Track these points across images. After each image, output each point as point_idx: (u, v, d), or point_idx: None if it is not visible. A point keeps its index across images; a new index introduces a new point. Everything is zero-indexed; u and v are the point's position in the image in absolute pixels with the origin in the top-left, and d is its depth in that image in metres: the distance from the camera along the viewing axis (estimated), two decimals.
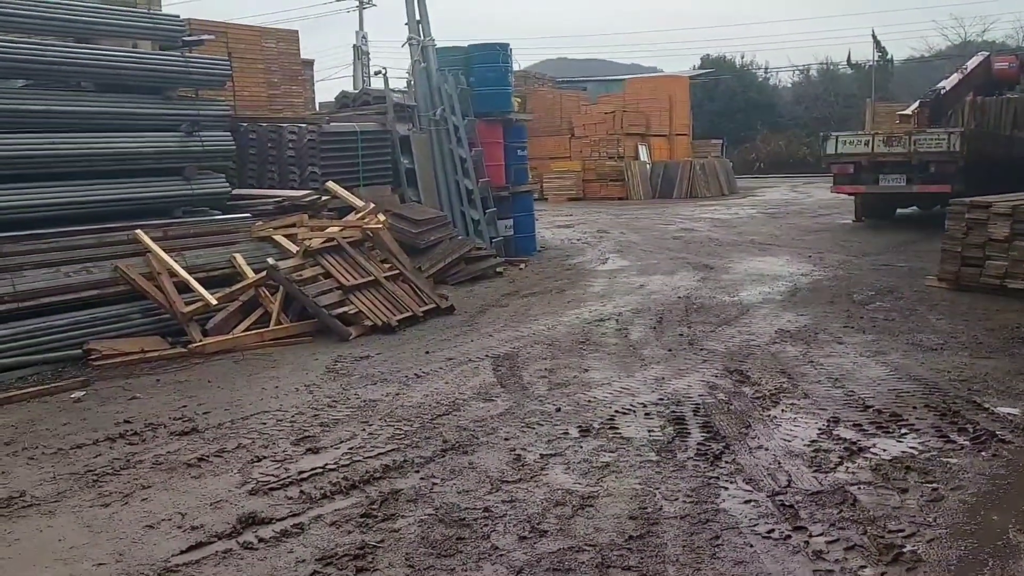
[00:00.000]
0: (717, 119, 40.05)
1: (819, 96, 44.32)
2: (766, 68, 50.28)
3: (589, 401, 5.24)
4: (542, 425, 4.81)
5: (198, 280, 7.43)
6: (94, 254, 7.35)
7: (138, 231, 7.71)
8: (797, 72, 50.68)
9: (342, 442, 4.63)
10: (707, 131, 34.89)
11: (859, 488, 3.80)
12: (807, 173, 32.96)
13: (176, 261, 7.53)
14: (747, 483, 3.88)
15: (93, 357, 6.51)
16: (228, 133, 9.39)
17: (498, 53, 12.40)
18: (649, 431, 4.64)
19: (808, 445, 4.35)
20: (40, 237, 7.21)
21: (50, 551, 3.46)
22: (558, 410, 5.08)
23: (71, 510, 3.85)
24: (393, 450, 4.47)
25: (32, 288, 6.76)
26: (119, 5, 10.07)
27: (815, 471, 4.00)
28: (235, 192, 9.42)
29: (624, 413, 4.98)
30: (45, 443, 4.80)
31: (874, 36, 41.26)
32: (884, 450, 4.26)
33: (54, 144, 7.69)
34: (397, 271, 8.52)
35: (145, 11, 9.65)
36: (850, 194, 15.57)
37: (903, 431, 4.53)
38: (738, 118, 41.70)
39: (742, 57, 48.90)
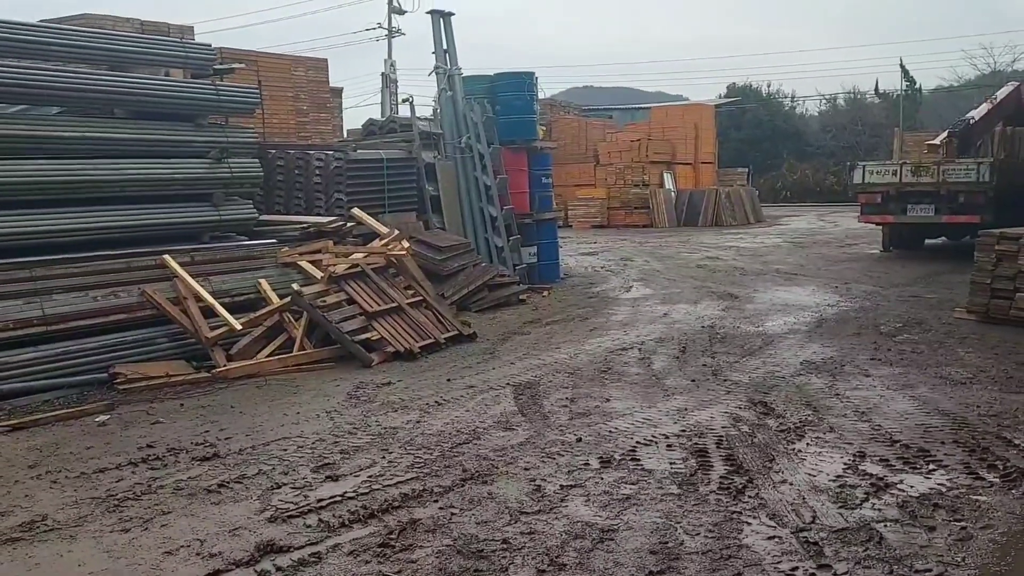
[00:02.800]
0: (743, 147, 40.00)
1: (846, 125, 44.17)
2: (793, 97, 50.25)
3: (610, 431, 5.20)
4: (563, 455, 4.78)
5: (223, 305, 7.49)
6: (122, 278, 7.45)
7: (165, 256, 7.81)
8: (824, 101, 50.60)
9: (362, 470, 4.62)
10: (733, 159, 34.85)
11: (886, 525, 3.72)
12: (834, 202, 32.77)
13: (202, 286, 7.61)
14: (771, 519, 3.82)
15: (119, 381, 6.57)
16: (256, 160, 9.51)
17: (523, 81, 12.49)
18: (671, 463, 4.59)
19: (833, 480, 4.28)
20: (70, 261, 7.32)
21: None
22: (579, 440, 5.04)
23: (91, 535, 3.87)
24: (413, 479, 4.45)
25: (61, 312, 6.85)
26: (152, 34, 10.30)
27: (840, 507, 3.93)
28: (262, 218, 9.52)
29: (646, 444, 4.93)
30: (68, 467, 4.83)
31: (902, 65, 40.93)
32: (911, 487, 4.18)
33: (87, 170, 7.82)
34: (420, 297, 8.54)
35: (177, 40, 9.86)
36: (877, 224, 15.44)
37: (931, 467, 4.44)
38: (764, 146, 41.64)
39: (768, 85, 48.95)
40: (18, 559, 3.64)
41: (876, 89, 46.88)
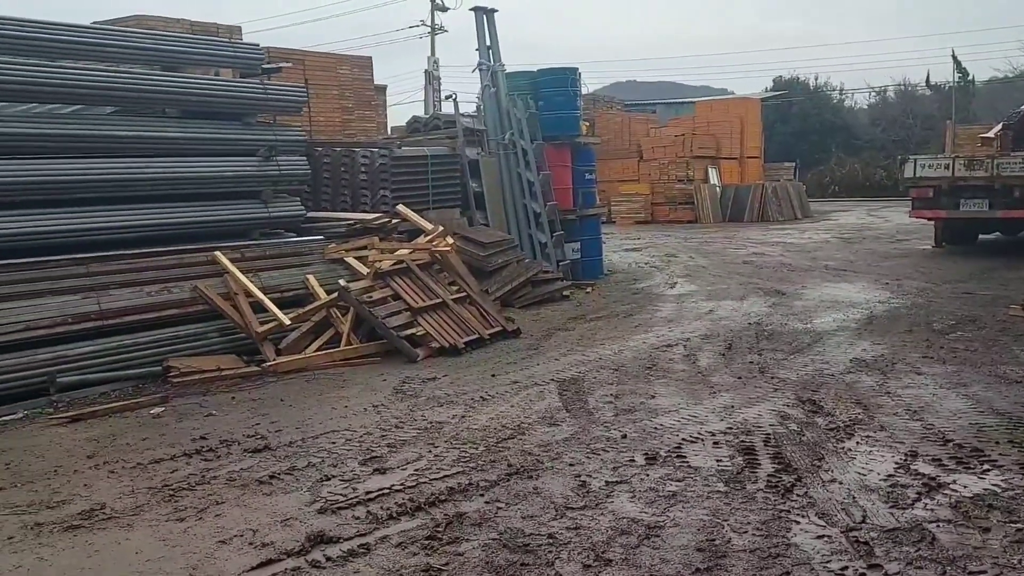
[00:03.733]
0: (790, 141, 39.40)
1: (896, 118, 43.24)
2: (841, 89, 49.28)
3: (656, 428, 5.19)
4: (608, 451, 4.78)
5: (272, 300, 7.63)
6: (175, 274, 7.62)
7: (217, 252, 7.97)
8: (873, 93, 49.58)
9: (408, 463, 4.67)
10: (779, 154, 34.37)
11: (938, 526, 3.66)
12: (884, 197, 32.13)
13: (252, 282, 7.75)
14: (820, 517, 3.78)
15: (172, 374, 6.73)
16: (304, 157, 9.65)
17: (567, 77, 12.47)
18: (718, 461, 4.57)
19: (884, 480, 4.21)
20: (125, 257, 7.52)
21: (127, 564, 3.57)
22: (624, 436, 5.03)
23: (148, 524, 3.97)
24: (458, 473, 4.49)
25: (117, 307, 7.04)
26: (201, 35, 10.50)
27: (892, 507, 3.87)
28: (309, 215, 9.67)
29: (692, 441, 4.91)
30: (125, 457, 4.97)
31: (954, 56, 39.89)
32: (965, 487, 4.10)
33: (140, 168, 8.02)
34: (464, 293, 8.59)
35: (227, 40, 10.04)
36: (929, 219, 15.11)
37: (985, 467, 4.35)
38: (812, 140, 40.93)
39: (816, 78, 48.09)
40: (78, 546, 3.76)
41: (927, 81, 45.89)
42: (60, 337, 6.67)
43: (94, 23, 9.04)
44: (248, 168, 8.90)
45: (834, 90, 48.57)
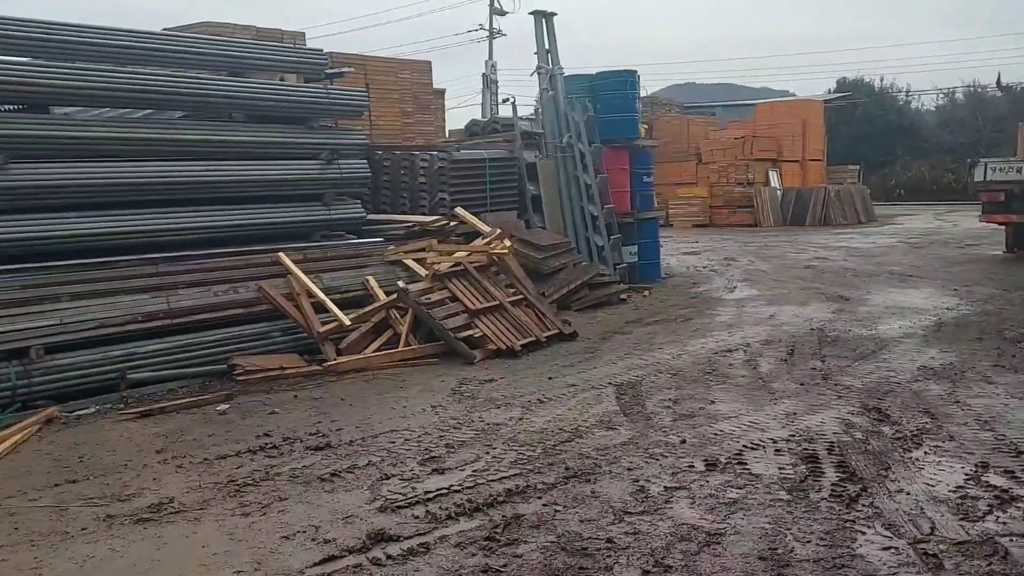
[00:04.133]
0: (854, 144, 38.47)
1: (965, 120, 41.95)
2: (907, 91, 47.98)
3: (716, 434, 5.12)
4: (666, 457, 4.74)
5: (333, 301, 7.75)
6: (241, 275, 7.80)
7: (280, 254, 8.13)
8: (941, 95, 48.16)
9: (466, 464, 4.70)
10: (843, 156, 33.59)
11: (1011, 540, 3.55)
12: (952, 200, 31.20)
13: (314, 283, 7.89)
14: (886, 528, 3.69)
15: (237, 372, 6.88)
16: (364, 161, 9.78)
17: (625, 80, 12.41)
18: (780, 468, 4.49)
19: (954, 491, 4.09)
20: (193, 258, 7.72)
21: (194, 557, 3.66)
22: (683, 442, 4.98)
23: (214, 518, 4.08)
24: (516, 474, 4.50)
25: (184, 306, 7.23)
26: (266, 40, 10.73)
27: (962, 519, 3.76)
28: (370, 217, 9.80)
29: (753, 448, 4.83)
30: (192, 452, 5.10)
31: None
32: None
33: (208, 171, 8.23)
34: (521, 296, 8.61)
35: (291, 46, 10.25)
36: (1000, 223, 14.65)
37: None
38: (876, 143, 39.91)
39: (881, 80, 46.88)
40: (148, 538, 3.87)
41: (998, 82, 44.35)
42: (131, 335, 6.88)
43: (164, 30, 9.32)
44: (311, 171, 9.06)
45: (900, 91, 47.38)
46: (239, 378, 6.82)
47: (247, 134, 8.72)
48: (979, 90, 45.35)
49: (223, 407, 6.12)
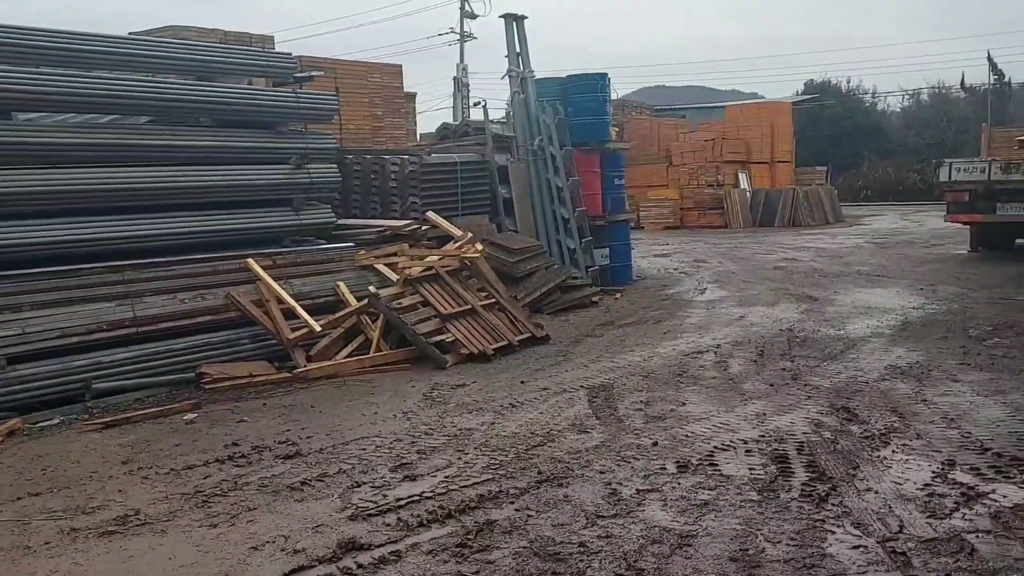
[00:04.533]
0: (822, 145, 38.99)
1: (930, 121, 42.69)
2: (874, 93, 48.75)
3: (687, 436, 5.14)
4: (638, 459, 4.74)
5: (304, 307, 7.68)
6: (208, 281, 7.69)
7: (249, 260, 8.04)
8: (907, 96, 48.96)
9: (438, 470, 4.67)
10: (811, 158, 34.02)
11: (977, 536, 3.59)
12: (918, 201, 31.73)
13: (284, 289, 7.81)
14: (855, 527, 3.72)
15: (205, 380, 6.79)
16: (334, 165, 9.71)
17: (596, 83, 12.43)
18: (750, 469, 4.51)
19: (921, 489, 4.14)
20: (160, 265, 7.61)
21: (161, 570, 3.60)
22: (655, 444, 5.00)
23: (181, 529, 4.01)
24: (488, 480, 4.48)
25: (151, 313, 7.13)
26: (235, 45, 10.63)
27: (929, 517, 3.80)
28: (340, 222, 9.73)
29: (724, 449, 4.86)
30: (159, 463, 5.02)
31: (990, 58, 39.33)
32: (1004, 496, 4.01)
33: (175, 177, 8.11)
34: (494, 300, 8.60)
35: (260, 50, 10.16)
36: (965, 223, 14.89)
37: None
38: (844, 144, 40.50)
39: (848, 82, 47.61)
40: (113, 551, 3.80)
41: (962, 83, 45.19)
42: (95, 344, 6.77)
43: (130, 34, 9.19)
44: (280, 176, 8.97)
45: (866, 93, 48.11)
46: (207, 386, 6.73)
47: (215, 139, 8.62)
48: (944, 91, 46.17)
49: (190, 416, 6.04)
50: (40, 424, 5.97)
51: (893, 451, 4.73)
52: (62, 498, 4.48)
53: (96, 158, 7.70)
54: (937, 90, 46.67)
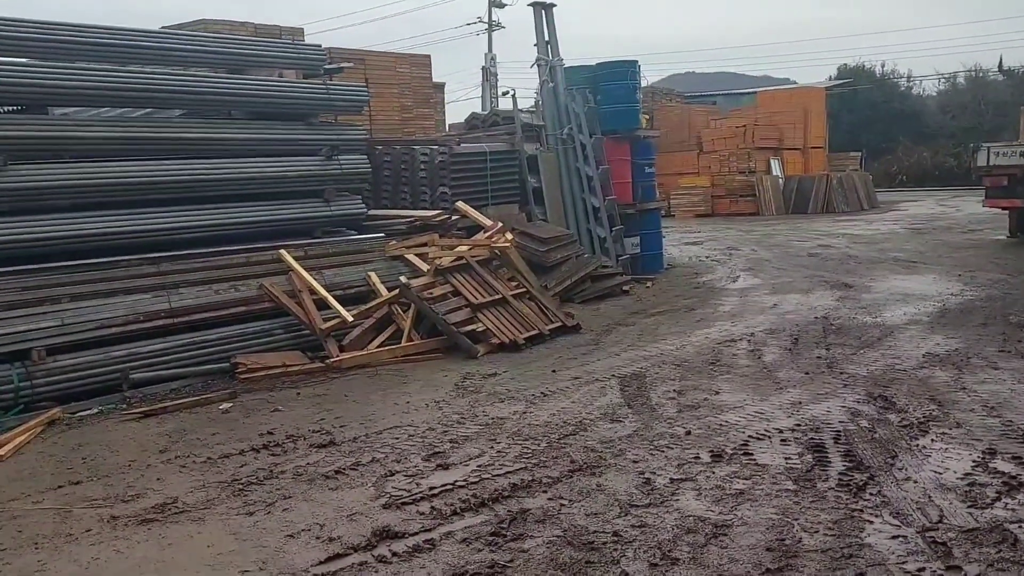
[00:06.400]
0: (856, 131, 38.34)
1: (967, 105, 41.74)
2: (909, 77, 47.73)
3: (721, 425, 5.10)
4: (672, 448, 4.71)
5: (335, 297, 7.74)
6: (242, 272, 7.78)
7: (282, 251, 8.11)
8: (943, 80, 47.94)
9: (471, 459, 4.68)
10: (845, 143, 33.49)
11: (1020, 527, 3.52)
12: (954, 186, 31.11)
13: (316, 279, 7.87)
14: (894, 517, 3.67)
15: (239, 370, 6.87)
16: (365, 156, 9.75)
17: (626, 71, 12.35)
18: (786, 458, 4.47)
19: (962, 478, 4.07)
20: (195, 256, 7.70)
21: (199, 557, 3.65)
22: (688, 433, 4.96)
23: (219, 517, 4.06)
24: (521, 469, 4.48)
25: (186, 305, 7.22)
26: (265, 37, 10.69)
27: (970, 506, 3.74)
28: (371, 212, 9.77)
29: (758, 439, 4.81)
30: (196, 452, 5.09)
31: None
32: None
33: (208, 169, 8.20)
34: (524, 289, 8.58)
35: (290, 42, 10.20)
36: (1004, 208, 14.58)
37: None
38: (878, 129, 39.77)
39: (883, 66, 46.68)
40: (152, 539, 3.86)
41: (1000, 66, 44.12)
42: (132, 335, 6.87)
43: (162, 28, 9.28)
44: (311, 167, 9.03)
45: (901, 77, 47.17)
46: (242, 376, 6.81)
47: (247, 131, 8.68)
48: (981, 74, 45.15)
49: (226, 406, 6.11)
50: (79, 414, 6.08)
51: (932, 440, 4.66)
52: (102, 486, 4.56)
53: (130, 151, 7.81)
54: (974, 73, 45.65)
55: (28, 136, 7.18)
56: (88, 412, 6.12)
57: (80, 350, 6.57)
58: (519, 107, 12.30)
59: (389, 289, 8.06)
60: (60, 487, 4.59)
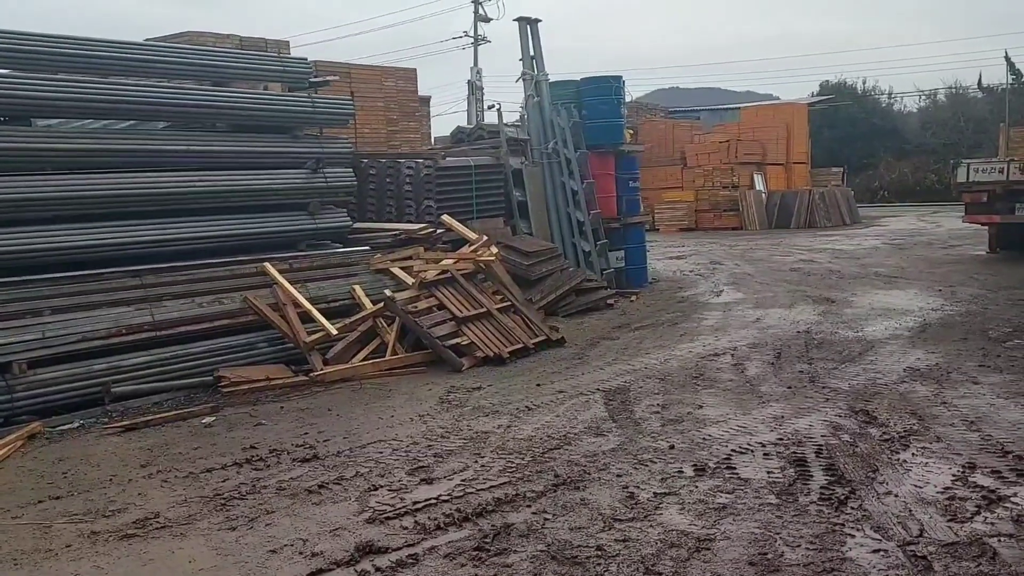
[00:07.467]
0: (838, 146, 38.71)
1: (947, 121, 42.26)
2: (890, 93, 48.29)
3: (704, 439, 5.12)
4: (655, 462, 4.73)
5: (320, 311, 7.72)
6: (226, 285, 7.75)
7: (266, 264, 8.09)
8: (923, 97, 48.52)
9: (455, 473, 4.68)
10: (827, 159, 33.78)
11: (999, 540, 3.55)
12: (935, 202, 31.47)
13: (300, 292, 7.85)
14: (875, 531, 3.69)
15: (223, 384, 6.84)
16: (350, 169, 9.76)
17: (610, 86, 12.42)
18: (768, 472, 4.49)
19: (942, 492, 4.10)
20: (178, 269, 7.67)
21: (181, 573, 3.62)
22: (672, 447, 4.98)
23: (201, 533, 4.03)
24: (505, 483, 4.48)
25: (169, 318, 7.18)
26: (250, 50, 10.69)
27: (950, 520, 3.77)
28: (356, 226, 9.77)
29: (741, 452, 4.83)
30: (178, 466, 5.05)
31: (1007, 57, 38.86)
32: None
33: (192, 182, 8.18)
34: (509, 303, 8.60)
35: (275, 55, 10.21)
36: (983, 224, 14.76)
37: None
38: (860, 145, 40.19)
39: (864, 82, 47.21)
40: (133, 554, 3.83)
41: (979, 83, 44.71)
42: (115, 348, 6.83)
43: (146, 40, 9.26)
44: (296, 180, 9.03)
45: (883, 94, 47.71)
46: (225, 390, 6.77)
47: (231, 144, 8.68)
48: (960, 92, 45.74)
49: (209, 420, 6.07)
50: (60, 427, 6.03)
51: (913, 454, 4.69)
52: (83, 501, 4.52)
53: (114, 163, 7.78)
54: (954, 90, 46.22)
55: (10, 148, 7.14)
56: (69, 426, 6.07)
57: (62, 363, 6.52)
58: (505, 121, 12.36)
59: (374, 302, 8.06)
60: (40, 502, 4.54)
